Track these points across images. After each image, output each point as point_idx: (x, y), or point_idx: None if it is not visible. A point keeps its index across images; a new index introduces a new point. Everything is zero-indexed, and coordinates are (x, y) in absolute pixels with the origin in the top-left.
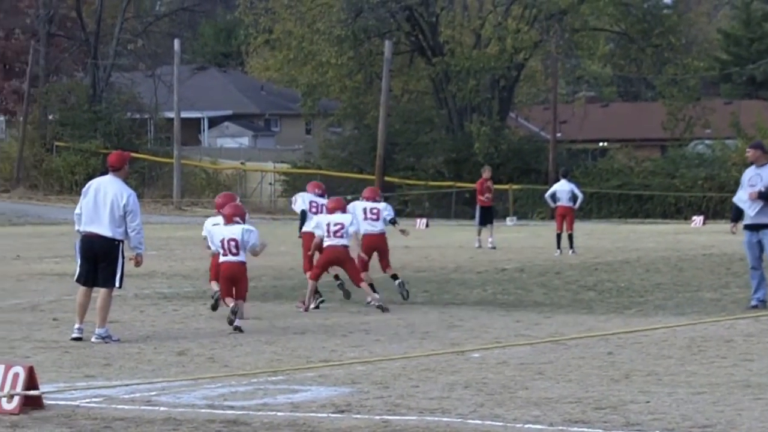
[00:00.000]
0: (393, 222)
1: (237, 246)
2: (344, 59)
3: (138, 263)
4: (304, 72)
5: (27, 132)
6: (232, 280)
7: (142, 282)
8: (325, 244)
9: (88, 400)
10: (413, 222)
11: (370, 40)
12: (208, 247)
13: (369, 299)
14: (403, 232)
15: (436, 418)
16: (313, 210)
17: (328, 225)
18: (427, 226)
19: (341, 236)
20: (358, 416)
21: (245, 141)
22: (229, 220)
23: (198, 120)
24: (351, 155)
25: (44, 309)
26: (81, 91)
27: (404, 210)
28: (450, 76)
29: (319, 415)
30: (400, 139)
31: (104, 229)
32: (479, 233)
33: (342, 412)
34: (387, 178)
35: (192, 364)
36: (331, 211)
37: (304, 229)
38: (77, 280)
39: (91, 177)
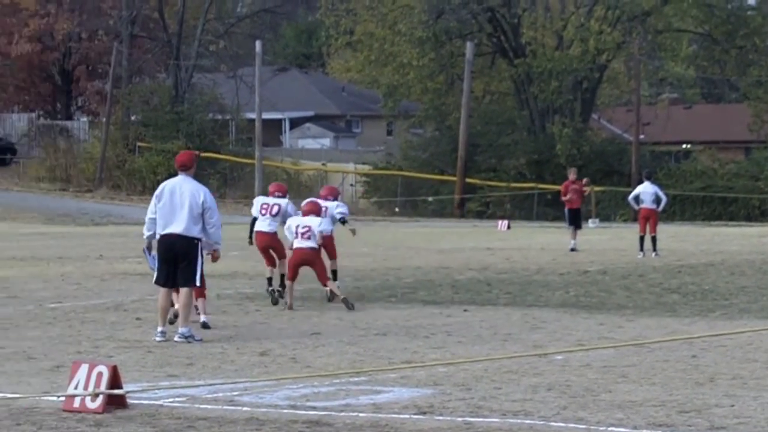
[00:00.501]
0: (343, 221)
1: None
2: (425, 60)
3: (216, 258)
4: (385, 73)
5: (110, 133)
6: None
7: (225, 282)
8: (294, 246)
9: (171, 400)
10: (495, 223)
11: (452, 41)
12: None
13: (330, 295)
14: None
15: (519, 421)
16: (263, 212)
17: (297, 227)
18: (508, 227)
19: (308, 238)
20: (441, 418)
21: (326, 142)
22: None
23: (279, 121)
24: (432, 156)
25: (127, 308)
26: (163, 92)
27: (485, 211)
28: (532, 77)
29: (402, 416)
30: (481, 141)
31: (184, 229)
32: (573, 236)
33: (424, 413)
34: (468, 180)
35: (274, 365)
36: (305, 213)
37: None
38: (157, 282)
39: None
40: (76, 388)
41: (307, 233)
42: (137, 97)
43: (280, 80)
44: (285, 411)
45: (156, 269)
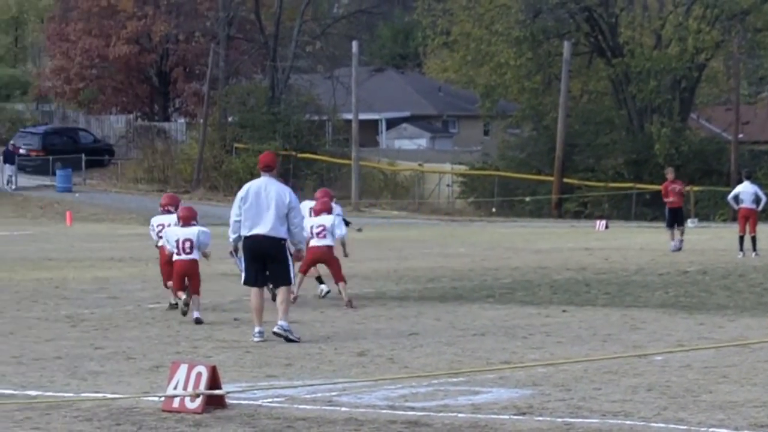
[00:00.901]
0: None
1: (192, 246)
2: (523, 60)
3: (299, 259)
4: (482, 73)
5: (207, 134)
6: (187, 276)
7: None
8: (310, 244)
9: (270, 400)
10: (592, 223)
11: (549, 41)
12: (157, 246)
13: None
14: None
15: (619, 421)
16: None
17: (312, 227)
18: (606, 227)
19: (324, 236)
20: (540, 418)
21: (423, 142)
22: (186, 222)
23: (376, 121)
24: (529, 156)
25: (226, 309)
26: (260, 93)
27: (583, 211)
28: (630, 76)
29: (501, 417)
30: (579, 140)
31: (271, 230)
32: (672, 236)
33: (523, 414)
34: (566, 180)
35: (372, 365)
36: (316, 213)
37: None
38: (246, 283)
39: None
40: (175, 388)
41: (323, 232)
42: (234, 98)
43: (377, 81)
44: (383, 411)
45: (243, 270)
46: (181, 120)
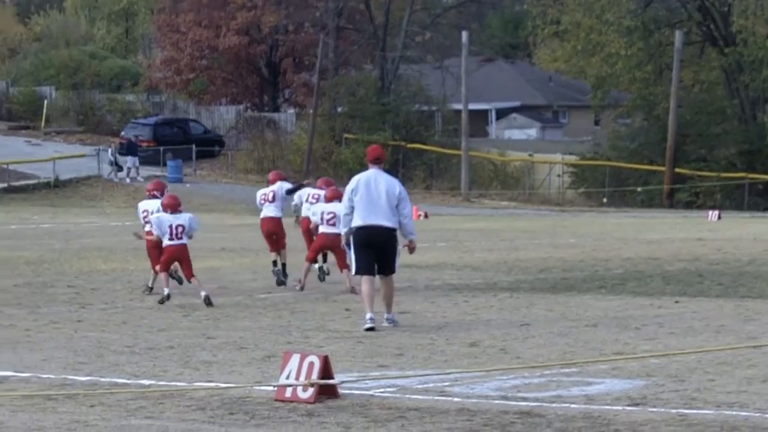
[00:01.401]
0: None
1: (183, 231)
2: (634, 50)
3: (412, 249)
4: (592, 63)
5: (316, 124)
6: (178, 260)
7: (432, 273)
8: (320, 231)
9: (381, 390)
10: (705, 213)
11: (660, 30)
12: (144, 234)
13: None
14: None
15: (734, 413)
16: (263, 202)
17: (323, 213)
18: (719, 218)
19: (333, 224)
20: (654, 409)
21: (533, 132)
22: (174, 209)
23: (485, 111)
24: (641, 146)
25: (337, 300)
26: (369, 84)
27: (695, 201)
28: (743, 66)
29: (614, 407)
30: (691, 130)
31: (384, 220)
32: None
33: (637, 405)
34: (677, 170)
35: (484, 356)
36: (328, 200)
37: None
38: (358, 273)
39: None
40: (287, 378)
41: (333, 219)
42: (343, 88)
43: (486, 71)
44: (496, 402)
45: (354, 260)
46: (291, 110)
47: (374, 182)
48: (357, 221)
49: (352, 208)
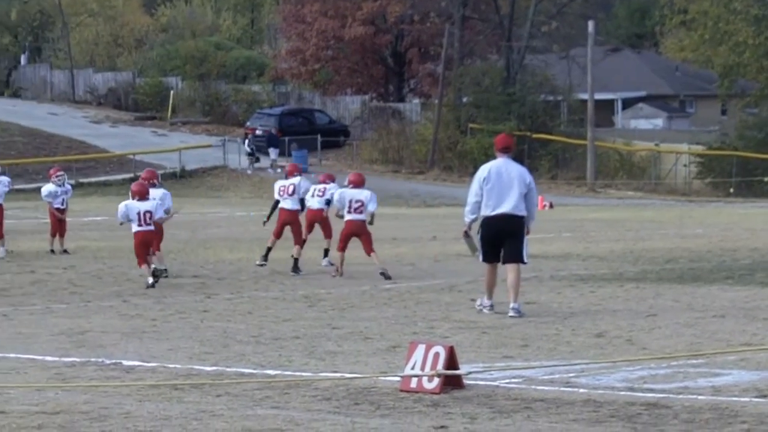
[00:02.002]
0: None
1: (151, 217)
2: (762, 39)
3: (527, 234)
4: (719, 52)
5: (442, 114)
6: (149, 244)
7: (558, 264)
8: (347, 218)
9: (507, 381)
10: None
11: None
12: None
13: (379, 269)
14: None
15: None
16: (281, 193)
17: (351, 201)
18: None
19: (361, 212)
20: None
21: (659, 122)
22: (142, 197)
23: (611, 101)
24: None
25: (462, 290)
26: (495, 74)
27: None
28: None
29: (742, 399)
30: None
31: (514, 209)
32: None
33: (765, 396)
34: None
35: (610, 346)
36: (354, 185)
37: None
38: (486, 260)
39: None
40: (413, 368)
41: (360, 207)
42: (469, 78)
43: (612, 60)
44: (622, 393)
45: (480, 248)
46: (416, 100)
47: (506, 171)
48: (487, 210)
49: (481, 196)
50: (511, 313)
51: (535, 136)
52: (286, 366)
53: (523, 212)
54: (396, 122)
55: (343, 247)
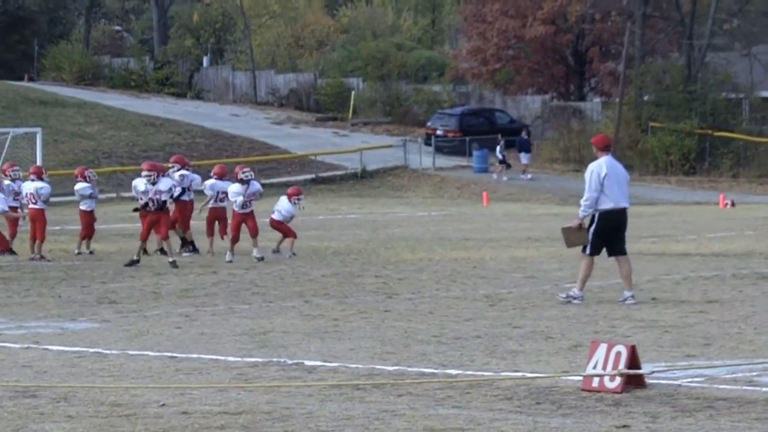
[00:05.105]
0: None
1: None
2: None
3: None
4: None
5: (622, 113)
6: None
7: (740, 262)
8: (211, 206)
9: (689, 380)
10: None
11: None
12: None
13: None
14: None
15: None
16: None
17: (218, 192)
18: None
19: (222, 200)
20: None
21: None
22: (38, 176)
23: None
24: None
25: (643, 288)
26: (676, 72)
27: None
28: None
29: None
30: None
31: (627, 203)
32: None
33: None
34: None
35: None
36: (218, 177)
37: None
38: (594, 253)
39: (686, 157)
40: (594, 367)
41: (224, 197)
42: (650, 77)
43: None
44: None
45: (592, 241)
46: (597, 99)
47: (615, 169)
48: (607, 204)
49: (599, 191)
50: (630, 300)
51: (716, 134)
52: (468, 365)
53: (628, 205)
54: (577, 121)
55: (210, 233)
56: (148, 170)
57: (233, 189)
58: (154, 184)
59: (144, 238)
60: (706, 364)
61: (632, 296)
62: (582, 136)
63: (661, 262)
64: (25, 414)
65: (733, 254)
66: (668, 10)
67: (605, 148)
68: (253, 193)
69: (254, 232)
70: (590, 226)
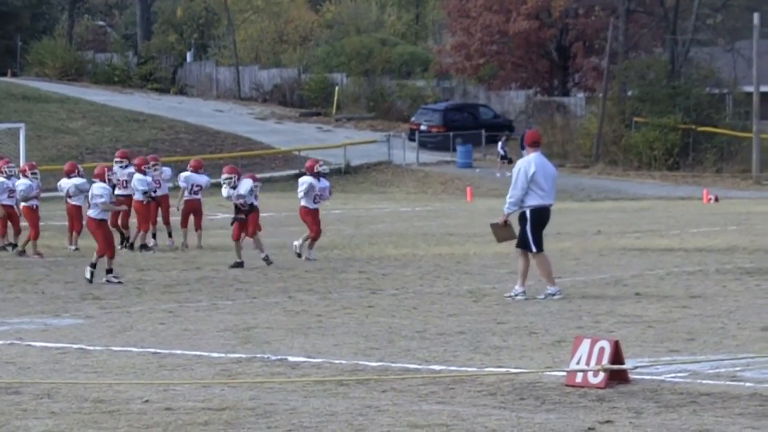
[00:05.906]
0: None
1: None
2: None
3: None
4: None
5: (606, 108)
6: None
7: (723, 257)
8: (186, 198)
9: (672, 375)
10: None
11: None
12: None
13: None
14: None
15: None
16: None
17: (192, 185)
18: None
19: (197, 193)
20: None
21: None
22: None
23: None
24: None
25: (627, 284)
26: (659, 67)
27: None
28: None
29: None
30: None
31: (553, 200)
32: None
33: None
34: None
35: None
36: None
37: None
38: (541, 250)
39: (669, 152)
40: (578, 363)
41: (199, 189)
42: (633, 72)
43: None
44: None
45: (536, 238)
46: (580, 94)
47: (547, 165)
48: (536, 200)
49: (525, 189)
50: (521, 297)
51: (700, 129)
52: (451, 361)
53: None
54: (560, 116)
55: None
56: (228, 173)
57: (305, 180)
58: (234, 188)
59: (236, 238)
60: (689, 360)
61: (523, 292)
62: (566, 131)
63: (645, 257)
64: (8, 410)
65: (717, 249)
66: (652, 5)
67: (534, 144)
68: (324, 188)
69: (316, 234)
70: (523, 224)
